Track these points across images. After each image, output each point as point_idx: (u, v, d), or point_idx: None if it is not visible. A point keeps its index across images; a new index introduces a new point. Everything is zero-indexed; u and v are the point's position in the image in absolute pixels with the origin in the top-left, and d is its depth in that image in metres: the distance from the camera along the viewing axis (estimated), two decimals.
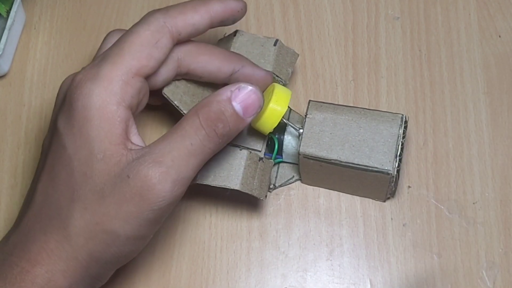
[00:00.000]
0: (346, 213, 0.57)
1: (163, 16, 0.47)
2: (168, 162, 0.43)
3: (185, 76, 0.51)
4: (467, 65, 0.61)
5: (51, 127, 0.47)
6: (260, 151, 0.53)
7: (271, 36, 0.58)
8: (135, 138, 0.46)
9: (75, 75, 0.46)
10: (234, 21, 0.50)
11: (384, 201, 0.56)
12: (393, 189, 0.54)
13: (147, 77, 0.47)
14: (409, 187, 0.57)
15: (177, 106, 0.50)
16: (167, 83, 0.50)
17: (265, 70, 0.52)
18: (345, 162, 0.51)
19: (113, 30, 0.51)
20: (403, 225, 0.56)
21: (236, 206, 0.57)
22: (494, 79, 0.61)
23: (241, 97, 0.45)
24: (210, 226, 0.57)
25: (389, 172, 0.51)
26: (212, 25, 0.49)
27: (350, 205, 0.57)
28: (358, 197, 0.57)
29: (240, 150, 0.50)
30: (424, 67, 0.62)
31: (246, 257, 0.55)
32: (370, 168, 0.51)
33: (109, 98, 0.44)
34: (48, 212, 0.45)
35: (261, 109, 0.46)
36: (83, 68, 0.46)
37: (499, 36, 0.62)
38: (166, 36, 0.47)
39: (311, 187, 0.57)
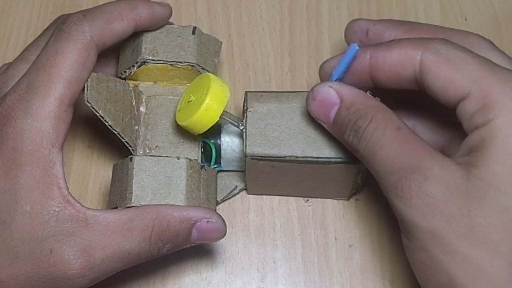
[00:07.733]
0: (281, 231, 0.55)
1: (90, 28, 0.48)
2: (97, 260, 0.45)
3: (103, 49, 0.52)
4: None
5: None
6: (197, 160, 0.52)
7: (192, 19, 0.61)
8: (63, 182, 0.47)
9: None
10: (157, 27, 0.52)
11: (348, 199, 0.56)
12: (359, 181, 0.53)
13: None
14: (356, 200, 0.56)
15: (102, 117, 0.50)
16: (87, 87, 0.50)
17: (160, 3, 0.53)
18: (303, 157, 0.50)
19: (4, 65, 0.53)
20: (349, 246, 0.55)
21: None
22: None
23: (205, 229, 0.48)
24: None
25: (356, 161, 0.50)
26: (135, 31, 0.51)
27: (285, 222, 0.56)
28: (295, 212, 0.56)
29: (178, 159, 0.50)
30: None
31: (161, 283, 0.54)
32: (333, 160, 0.50)
33: (41, 140, 0.45)
34: None
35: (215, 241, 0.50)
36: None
37: (465, 19, 0.63)
38: (93, 51, 0.48)
39: (239, 200, 0.56)
